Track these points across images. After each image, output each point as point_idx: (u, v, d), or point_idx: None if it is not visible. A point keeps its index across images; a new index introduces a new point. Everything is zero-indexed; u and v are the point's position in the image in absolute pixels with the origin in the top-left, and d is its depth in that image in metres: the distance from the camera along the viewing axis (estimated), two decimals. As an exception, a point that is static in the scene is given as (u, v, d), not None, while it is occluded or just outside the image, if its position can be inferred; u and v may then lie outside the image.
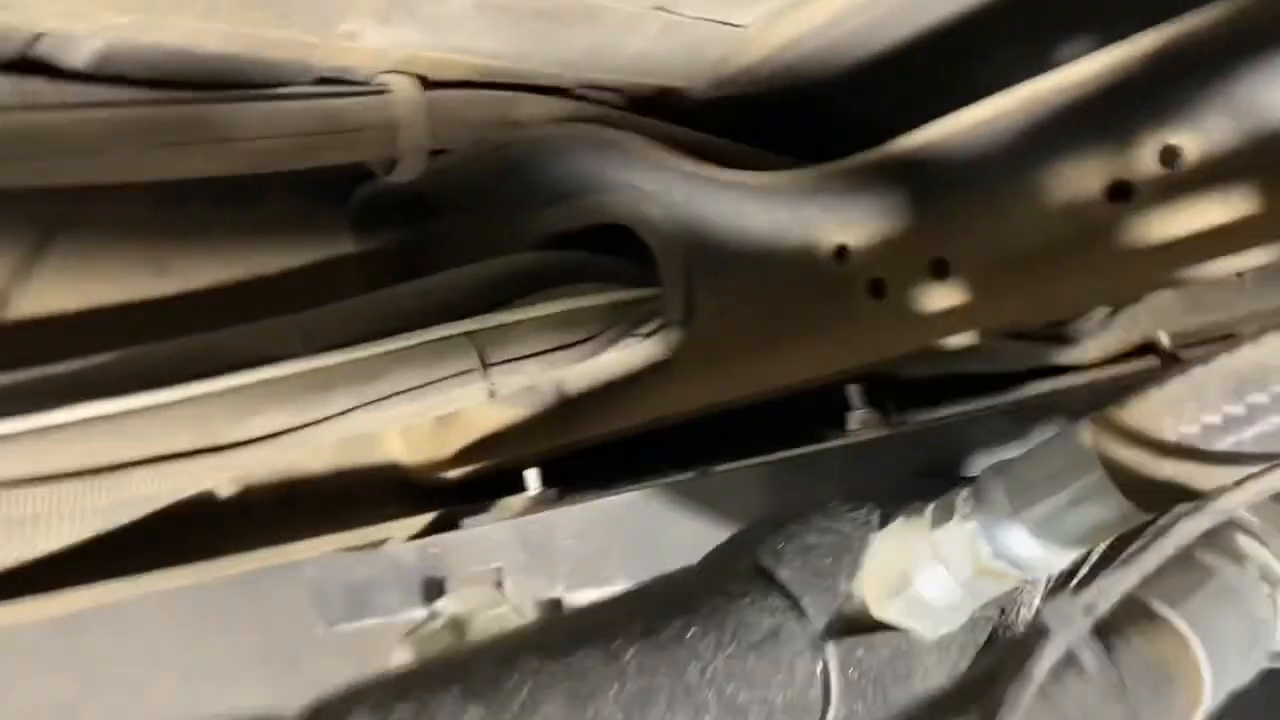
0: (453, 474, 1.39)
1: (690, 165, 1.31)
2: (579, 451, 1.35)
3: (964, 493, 0.75)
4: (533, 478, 1.16)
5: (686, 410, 1.30)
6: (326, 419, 1.05)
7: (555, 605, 1.18)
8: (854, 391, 1.18)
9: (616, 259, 1.43)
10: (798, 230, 1.27)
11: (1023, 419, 1.03)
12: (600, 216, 1.38)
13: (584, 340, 1.29)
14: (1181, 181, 1.01)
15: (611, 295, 1.33)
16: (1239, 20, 0.95)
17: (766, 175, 1.26)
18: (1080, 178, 1.07)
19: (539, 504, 1.16)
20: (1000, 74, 1.58)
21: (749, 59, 1.45)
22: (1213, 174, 0.99)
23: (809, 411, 1.28)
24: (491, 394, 1.15)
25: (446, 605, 1.09)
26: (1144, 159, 1.04)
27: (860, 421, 1.15)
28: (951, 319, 1.16)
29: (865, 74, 1.44)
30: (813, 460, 1.12)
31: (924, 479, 0.96)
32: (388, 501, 1.37)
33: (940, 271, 1.18)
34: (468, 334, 1.16)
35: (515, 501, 1.17)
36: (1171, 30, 0.99)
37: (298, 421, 1.03)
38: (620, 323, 1.33)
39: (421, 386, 1.12)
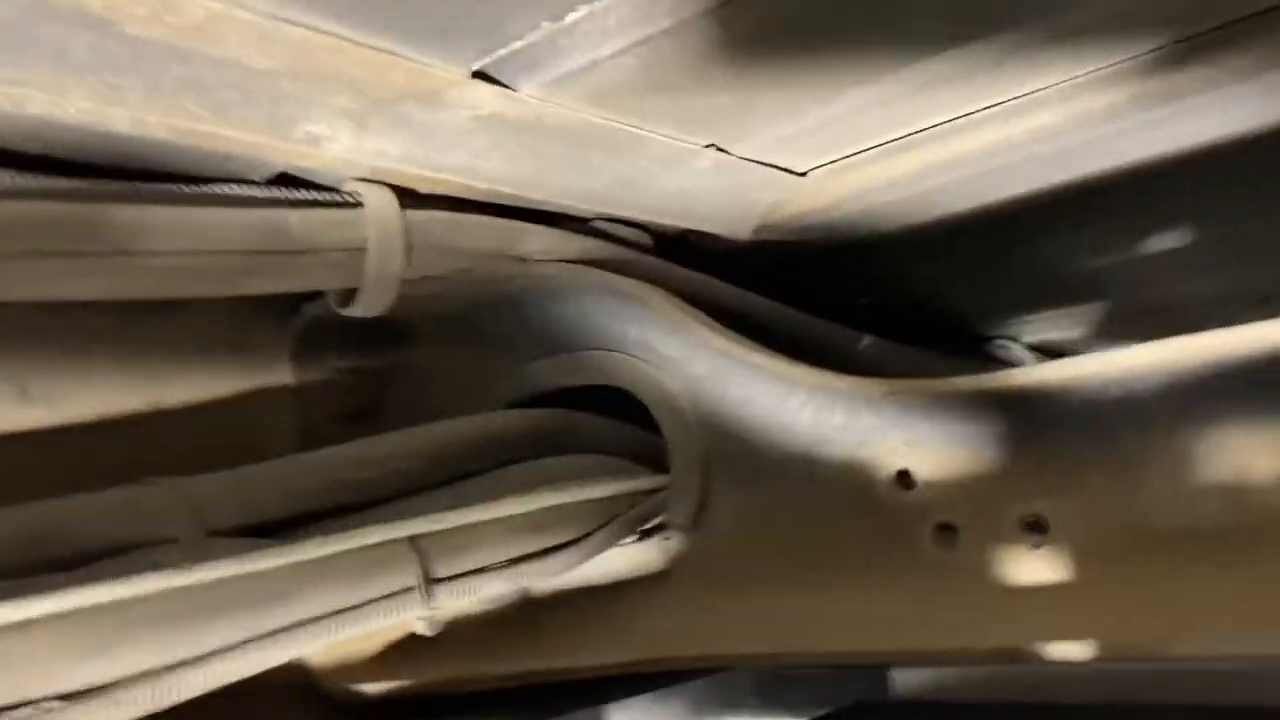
0: (372, 688, 1.09)
1: (723, 340, 1.05)
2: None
3: None
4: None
5: (682, 655, 1.01)
6: (201, 659, 0.75)
7: None
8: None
9: (619, 424, 1.15)
10: (852, 441, 1.00)
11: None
12: (605, 377, 1.11)
13: (565, 545, 1.00)
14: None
15: (608, 486, 1.05)
16: None
17: (818, 375, 0.99)
18: (1253, 453, 0.81)
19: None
20: (1064, 257, 1.39)
21: (800, 208, 1.22)
22: None
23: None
24: (431, 622, 0.86)
25: None
26: (1338, 445, 0.78)
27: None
28: (1041, 606, 0.88)
29: (918, 237, 1.25)
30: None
31: None
32: (281, 714, 1.06)
33: (1034, 533, 0.91)
34: (411, 540, 0.87)
35: None
36: None
37: (158, 662, 0.73)
38: (614, 519, 1.05)
39: (337, 613, 0.83)
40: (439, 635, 1.12)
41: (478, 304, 1.12)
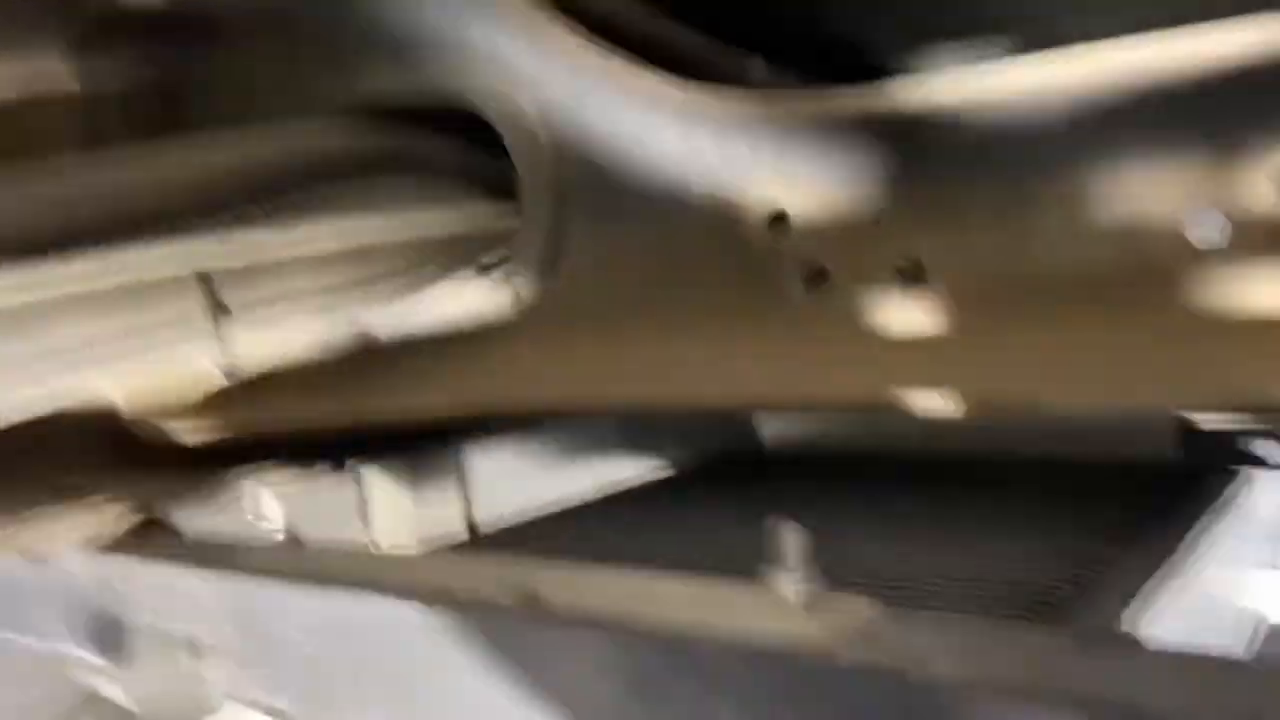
0: (190, 431, 0.98)
1: (594, 55, 0.90)
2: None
3: None
4: (266, 499, 0.78)
5: (532, 402, 0.92)
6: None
7: None
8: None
9: (462, 146, 1.01)
10: (724, 175, 0.88)
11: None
12: (442, 88, 0.96)
13: (392, 277, 0.89)
14: (1304, 235, 0.67)
15: (445, 216, 0.93)
16: None
17: (695, 90, 0.87)
18: (1154, 196, 0.72)
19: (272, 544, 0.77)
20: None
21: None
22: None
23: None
24: (230, 373, 0.75)
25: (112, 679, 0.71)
26: (1253, 186, 0.69)
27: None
28: (912, 355, 0.81)
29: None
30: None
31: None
32: (89, 459, 0.95)
33: (908, 278, 0.82)
34: (199, 276, 0.74)
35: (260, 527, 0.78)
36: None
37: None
38: (452, 253, 0.94)
39: (114, 343, 0.71)
40: (267, 378, 1.02)
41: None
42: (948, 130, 0.78)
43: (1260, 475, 1.00)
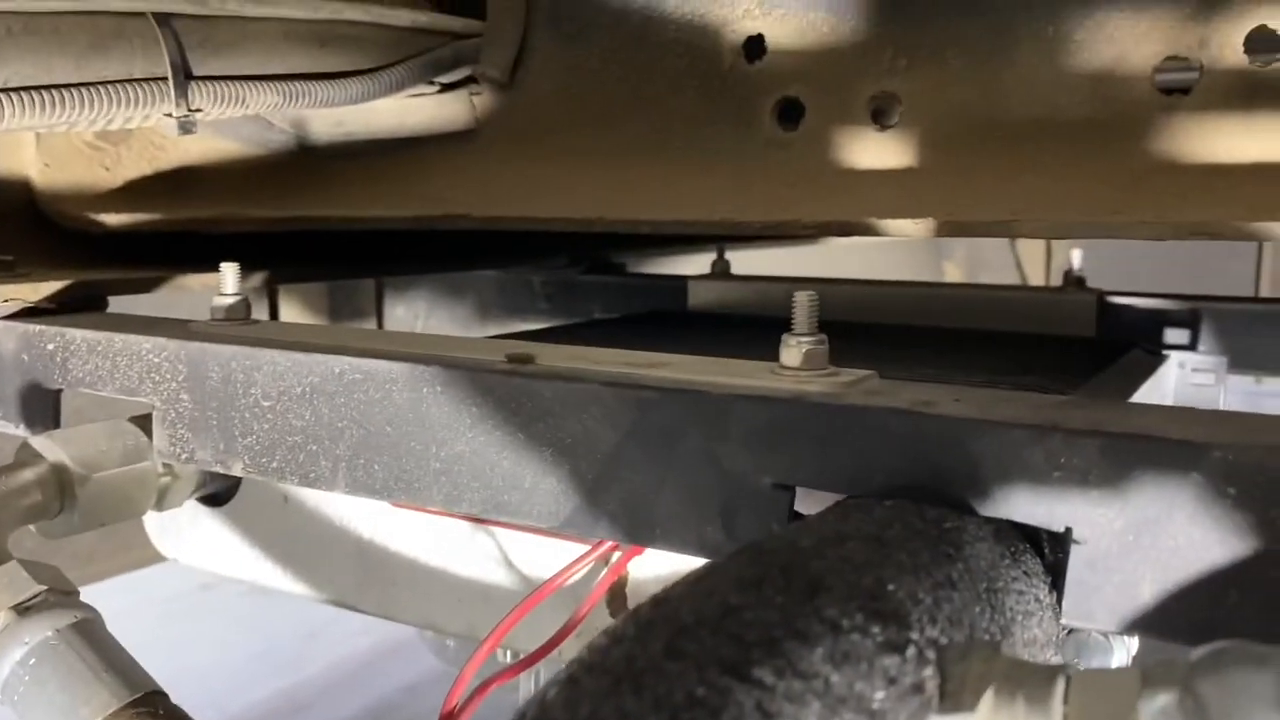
0: (113, 218, 0.93)
1: None
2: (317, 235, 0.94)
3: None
4: (230, 274, 0.74)
5: (481, 214, 0.90)
6: None
7: (225, 488, 0.79)
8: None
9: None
10: (703, -5, 0.87)
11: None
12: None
13: (353, 73, 0.85)
14: (1269, 84, 0.70)
15: (412, 15, 0.89)
16: None
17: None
18: (1129, 43, 0.74)
19: (234, 320, 0.74)
20: None
21: None
22: (1318, 87, 0.69)
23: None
24: (185, 127, 0.71)
25: (49, 446, 0.67)
26: (1224, 38, 0.72)
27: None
28: (882, 190, 0.82)
29: None
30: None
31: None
32: (14, 240, 0.89)
33: (882, 115, 0.83)
34: (161, 16, 0.69)
35: (221, 302, 0.74)
36: None
37: None
38: (412, 58, 0.90)
39: (64, 88, 0.66)
40: (200, 170, 0.97)
41: None
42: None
43: (1169, 355, 1.06)
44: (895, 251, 2.70)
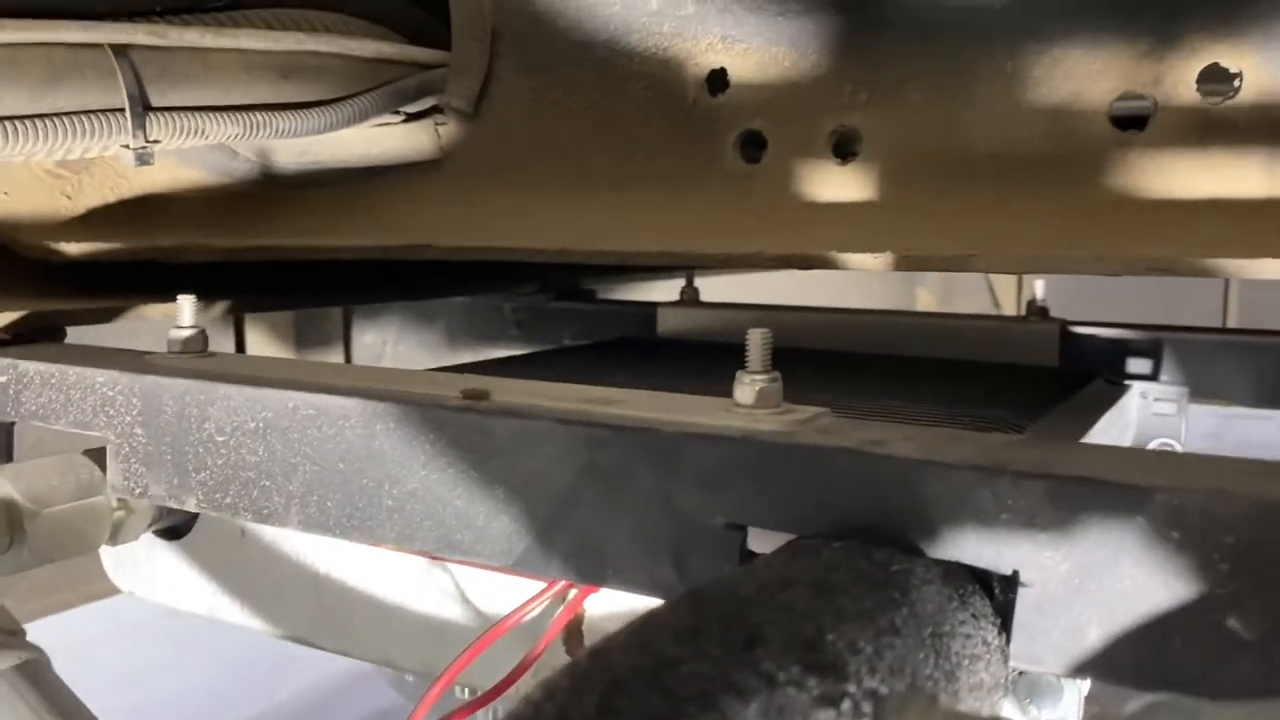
0: (74, 247, 0.92)
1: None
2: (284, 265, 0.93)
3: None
4: (187, 306, 0.73)
5: (446, 245, 0.90)
6: None
7: (182, 521, 0.78)
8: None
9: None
10: (665, 29, 0.87)
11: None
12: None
13: (317, 103, 0.85)
14: (1222, 120, 0.71)
15: (375, 45, 0.89)
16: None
17: (644, -64, 0.85)
18: (1085, 79, 0.75)
19: (191, 352, 0.73)
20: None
21: None
22: (1269, 121, 0.70)
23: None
24: (142, 158, 0.70)
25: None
26: (1178, 75, 0.73)
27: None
28: (842, 223, 0.83)
29: None
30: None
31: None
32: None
33: (845, 147, 0.84)
34: (119, 48, 0.69)
35: (178, 334, 0.73)
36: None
37: None
38: (377, 88, 0.90)
39: (20, 119, 0.66)
40: (164, 199, 0.96)
41: None
42: (891, 2, 0.79)
43: (1132, 384, 1.07)
44: (868, 278, 2.71)
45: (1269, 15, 0.70)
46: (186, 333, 0.72)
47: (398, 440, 0.57)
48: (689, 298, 1.43)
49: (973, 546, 0.45)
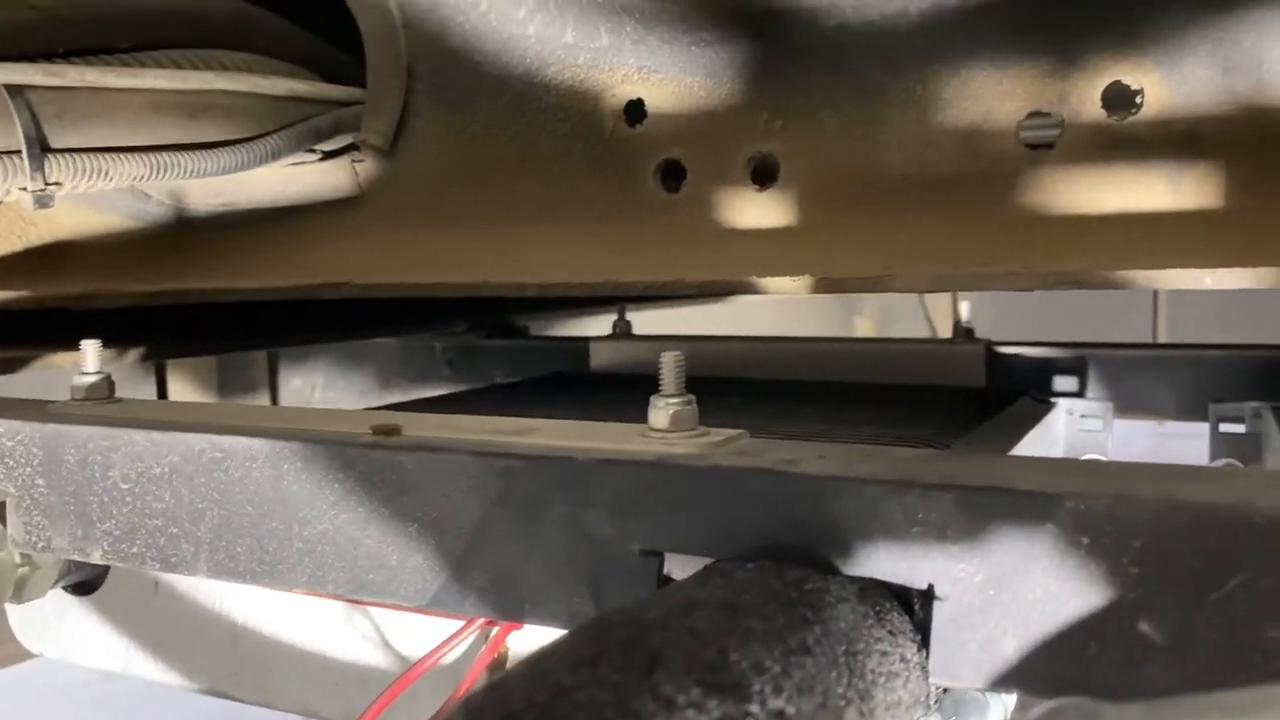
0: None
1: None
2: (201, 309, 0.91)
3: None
4: (91, 352, 0.71)
5: (366, 283, 0.89)
6: None
7: (92, 575, 0.75)
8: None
9: (310, 37, 0.97)
10: (581, 61, 0.87)
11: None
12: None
13: (227, 143, 0.84)
14: (1126, 136, 0.73)
15: (287, 84, 0.88)
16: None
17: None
18: (993, 99, 0.76)
19: (95, 399, 0.71)
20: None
21: None
22: (1171, 136, 0.71)
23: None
24: (42, 201, 0.68)
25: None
26: (1083, 94, 0.74)
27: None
28: (762, 249, 0.83)
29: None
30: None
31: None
32: None
33: (763, 175, 0.84)
34: (14, 88, 0.67)
35: (82, 381, 0.71)
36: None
37: None
38: (290, 127, 0.89)
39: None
40: (73, 245, 0.94)
41: None
42: (802, 29, 0.80)
43: (1058, 401, 1.08)
44: (805, 307, 2.73)
45: (1167, 34, 0.72)
46: (91, 379, 0.70)
47: (306, 480, 0.56)
48: (621, 331, 1.43)
49: (887, 562, 0.45)
